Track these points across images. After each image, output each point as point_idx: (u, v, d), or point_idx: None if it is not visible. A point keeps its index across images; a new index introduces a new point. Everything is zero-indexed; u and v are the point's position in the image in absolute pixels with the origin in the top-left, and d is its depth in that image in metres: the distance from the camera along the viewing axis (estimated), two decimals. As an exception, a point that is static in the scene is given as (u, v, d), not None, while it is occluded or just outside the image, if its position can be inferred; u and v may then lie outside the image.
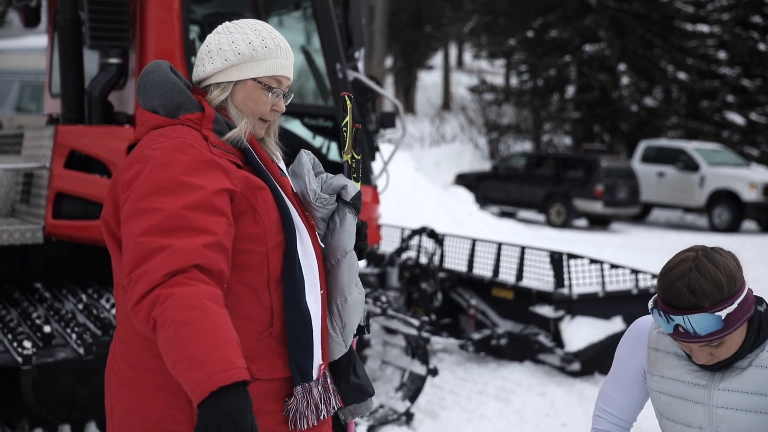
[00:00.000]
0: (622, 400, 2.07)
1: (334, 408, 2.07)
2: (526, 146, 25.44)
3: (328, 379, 2.07)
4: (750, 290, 1.81)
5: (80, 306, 4.39)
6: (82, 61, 4.61)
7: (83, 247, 4.67)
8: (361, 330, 2.24)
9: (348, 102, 2.31)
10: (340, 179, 2.21)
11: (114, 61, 4.44)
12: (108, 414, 2.01)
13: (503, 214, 18.17)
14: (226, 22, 2.08)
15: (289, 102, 2.12)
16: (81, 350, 3.95)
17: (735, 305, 1.74)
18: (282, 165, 2.13)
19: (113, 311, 4.25)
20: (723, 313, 1.72)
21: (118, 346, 1.99)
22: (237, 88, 2.02)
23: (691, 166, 18.14)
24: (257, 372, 1.92)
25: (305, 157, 2.20)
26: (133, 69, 4.54)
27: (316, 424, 2.00)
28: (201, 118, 1.97)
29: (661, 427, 1.96)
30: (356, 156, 2.38)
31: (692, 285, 1.74)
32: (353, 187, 2.19)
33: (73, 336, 4.04)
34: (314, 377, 2.00)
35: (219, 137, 1.95)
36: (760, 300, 1.87)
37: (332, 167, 2.35)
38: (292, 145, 2.27)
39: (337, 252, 2.15)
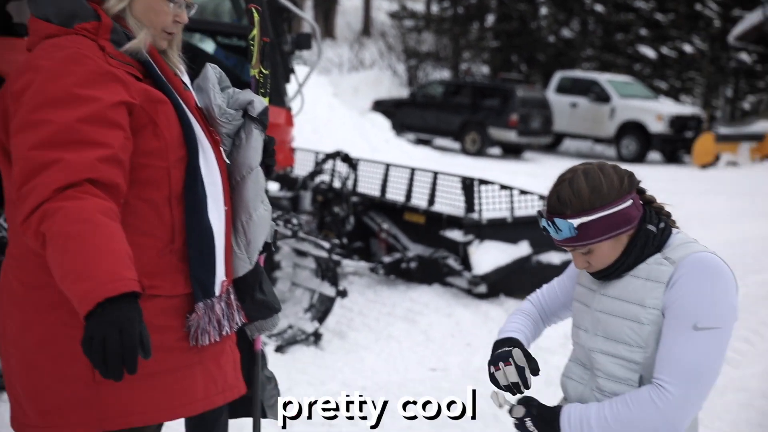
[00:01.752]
0: (556, 287, 2.19)
1: (237, 324, 2.08)
2: (445, 74, 25.47)
3: (232, 296, 2.07)
4: (634, 210, 1.88)
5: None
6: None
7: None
8: (268, 247, 2.25)
9: (255, 14, 2.26)
10: (246, 94, 2.17)
11: (10, -32, 4.20)
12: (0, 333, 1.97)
13: (419, 142, 18.27)
14: None
15: (193, 14, 2.06)
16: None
17: (592, 218, 1.83)
18: (186, 79, 2.08)
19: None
20: (576, 222, 1.83)
21: (9, 263, 1.94)
22: None
23: (602, 97, 18.55)
24: (158, 289, 1.91)
25: (211, 71, 2.15)
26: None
27: (218, 339, 2.01)
28: (97, 27, 1.89)
29: (572, 337, 2.06)
30: (264, 71, 2.34)
31: (560, 193, 1.87)
32: (260, 103, 2.16)
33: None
34: (217, 293, 2.00)
35: (117, 48, 1.89)
36: (660, 220, 1.93)
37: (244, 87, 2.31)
38: (203, 64, 2.21)
39: (243, 168, 2.13)
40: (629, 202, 1.86)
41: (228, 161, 2.13)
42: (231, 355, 2.11)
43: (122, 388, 1.85)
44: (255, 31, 2.28)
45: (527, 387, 1.92)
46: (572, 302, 2.09)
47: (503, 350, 1.97)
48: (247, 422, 2.41)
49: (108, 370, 1.57)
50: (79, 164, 1.70)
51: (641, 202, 1.95)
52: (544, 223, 1.90)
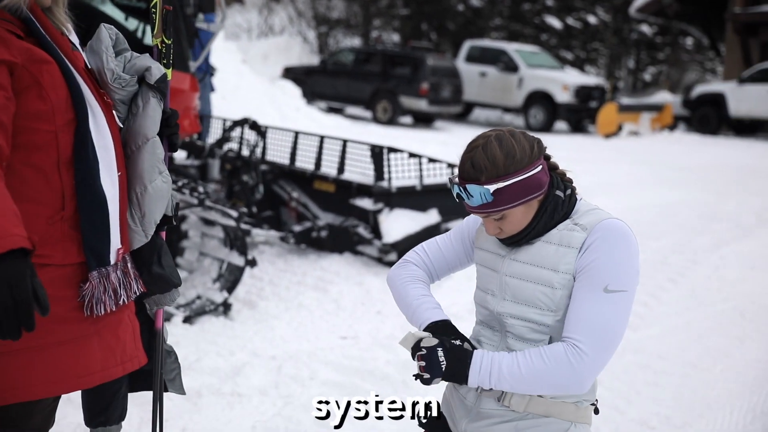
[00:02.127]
0: (442, 249, 2.16)
1: (135, 293, 2.01)
2: (355, 41, 25.33)
3: (129, 264, 2.00)
4: (544, 175, 1.90)
5: None
6: None
7: None
8: (168, 220, 2.17)
9: (156, -21, 2.16)
10: (144, 60, 2.08)
11: None
12: None
13: (331, 110, 18.15)
14: None
15: None
16: None
17: (507, 183, 1.84)
18: (74, 38, 1.98)
19: None
20: (492, 188, 1.83)
21: None
22: None
23: (511, 67, 18.80)
24: (48, 258, 1.82)
25: (105, 32, 2.05)
26: None
27: (114, 309, 1.94)
28: None
29: (474, 299, 2.07)
30: (167, 41, 2.25)
31: (474, 160, 1.86)
32: (158, 69, 2.07)
33: None
34: (112, 262, 1.92)
35: None
36: (566, 186, 1.97)
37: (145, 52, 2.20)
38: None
39: (138, 138, 2.05)
40: (539, 168, 1.89)
41: (122, 126, 2.04)
42: (130, 325, 2.04)
43: (12, 362, 1.77)
44: None
45: None
46: (477, 268, 2.09)
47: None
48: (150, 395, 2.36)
49: (3, 330, 1.49)
50: None
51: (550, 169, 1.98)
52: (457, 190, 1.89)
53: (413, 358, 1.89)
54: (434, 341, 1.86)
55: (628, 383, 4.36)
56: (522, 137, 1.90)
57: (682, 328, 5.37)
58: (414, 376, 1.89)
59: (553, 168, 1.99)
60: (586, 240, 1.86)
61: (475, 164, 1.85)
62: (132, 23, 5.30)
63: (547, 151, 1.98)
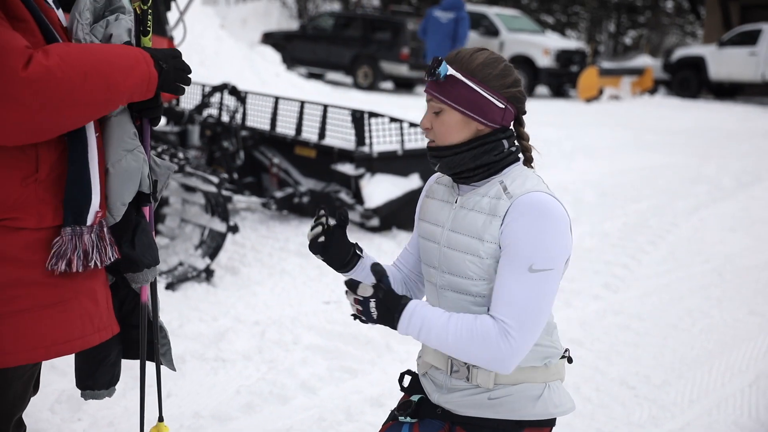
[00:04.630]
0: (409, 248, 2.16)
1: (110, 259, 1.92)
2: (335, 6, 25.07)
3: (105, 229, 1.93)
4: (499, 115, 1.88)
5: None
6: None
7: None
8: (146, 198, 2.08)
9: (129, -61, 2.10)
10: (122, 34, 2.02)
11: None
12: None
13: (311, 76, 18.01)
14: None
15: None
16: None
17: (463, 80, 1.87)
18: None
19: None
20: (449, 70, 1.87)
21: None
22: None
23: (491, 31, 18.71)
24: (22, 221, 1.78)
25: None
26: None
27: (81, 270, 1.86)
28: None
29: (423, 271, 2.06)
30: (144, 6, 2.20)
31: (462, 52, 1.93)
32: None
33: None
34: (89, 222, 1.87)
35: None
36: (515, 137, 1.95)
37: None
38: None
39: None
40: (501, 105, 1.88)
41: None
42: (105, 293, 2.00)
43: None
44: None
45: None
46: (420, 241, 2.05)
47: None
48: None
49: None
50: None
51: (515, 131, 1.96)
52: (432, 64, 1.91)
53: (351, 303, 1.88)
54: (369, 291, 1.84)
55: (608, 344, 4.41)
56: (514, 72, 1.93)
57: (662, 290, 5.43)
58: (352, 315, 1.89)
59: (521, 136, 1.98)
60: (509, 210, 1.83)
61: (460, 53, 1.92)
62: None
63: (528, 118, 1.97)
